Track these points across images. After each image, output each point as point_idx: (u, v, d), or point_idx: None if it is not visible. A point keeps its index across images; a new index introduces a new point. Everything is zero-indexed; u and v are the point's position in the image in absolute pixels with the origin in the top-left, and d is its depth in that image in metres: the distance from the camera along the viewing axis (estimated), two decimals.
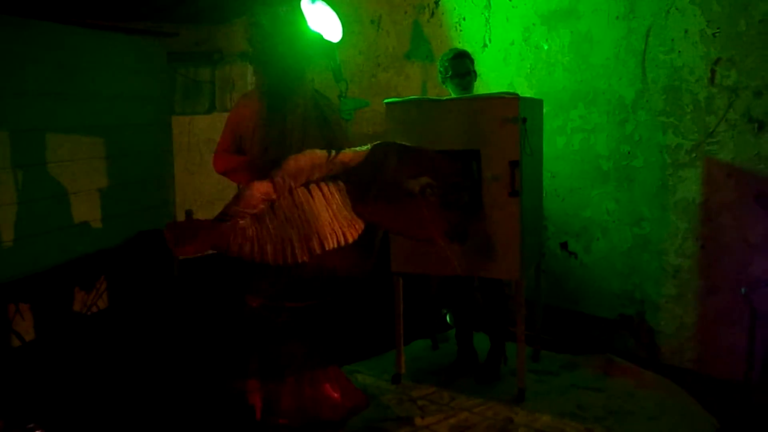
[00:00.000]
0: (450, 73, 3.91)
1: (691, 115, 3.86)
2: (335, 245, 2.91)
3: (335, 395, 3.17)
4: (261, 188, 2.79)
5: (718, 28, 3.71)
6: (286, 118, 2.93)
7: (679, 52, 3.87)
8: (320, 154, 2.84)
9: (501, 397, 3.70)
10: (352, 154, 2.92)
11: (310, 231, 2.86)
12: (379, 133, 3.88)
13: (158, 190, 5.90)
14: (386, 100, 3.68)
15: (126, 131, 5.51)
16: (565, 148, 4.42)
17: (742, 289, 2.49)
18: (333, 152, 2.87)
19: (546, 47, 4.47)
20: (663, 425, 3.34)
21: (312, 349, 3.12)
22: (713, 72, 3.76)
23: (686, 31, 3.83)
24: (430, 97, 4.30)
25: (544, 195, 4.28)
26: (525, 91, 4.49)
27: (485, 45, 4.74)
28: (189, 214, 5.47)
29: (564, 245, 4.51)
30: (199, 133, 6.63)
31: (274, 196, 2.82)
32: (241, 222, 2.78)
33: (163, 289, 4.83)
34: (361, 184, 2.97)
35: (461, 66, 3.90)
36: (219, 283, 5.74)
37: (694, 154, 3.86)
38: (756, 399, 2.53)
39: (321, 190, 2.92)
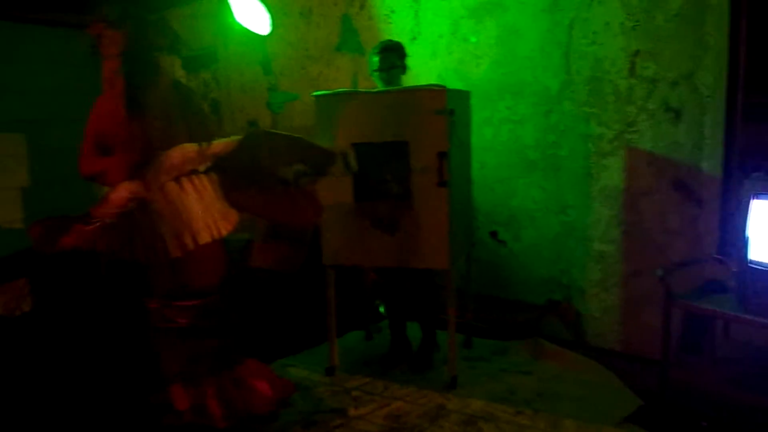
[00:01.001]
0: (376, 66, 3.93)
1: (612, 105, 3.98)
2: (209, 239, 2.90)
3: (261, 388, 3.16)
4: (129, 188, 2.78)
5: (637, 21, 3.83)
6: (145, 113, 2.86)
7: (601, 44, 3.98)
8: (190, 147, 2.84)
9: (434, 384, 3.75)
10: (223, 144, 2.92)
11: (182, 226, 2.84)
12: (309, 126, 3.86)
13: (85, 188, 5.73)
14: (314, 93, 3.68)
15: (49, 127, 5.34)
16: (493, 139, 4.50)
17: (658, 272, 2.59)
18: (204, 144, 2.86)
19: (474, 40, 4.53)
20: (589, 405, 3.45)
21: (222, 346, 3.11)
22: (633, 63, 3.88)
23: (607, 24, 3.95)
24: (359, 90, 4.31)
25: (473, 185, 4.35)
26: (454, 84, 4.55)
27: (414, 38, 4.78)
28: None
29: (494, 234, 4.60)
30: None
31: (143, 195, 2.80)
32: (107, 220, 2.76)
33: (89, 290, 4.70)
34: (235, 174, 2.97)
35: (385, 60, 3.92)
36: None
37: (615, 143, 3.98)
38: (672, 375, 2.64)
39: (192, 183, 2.90)
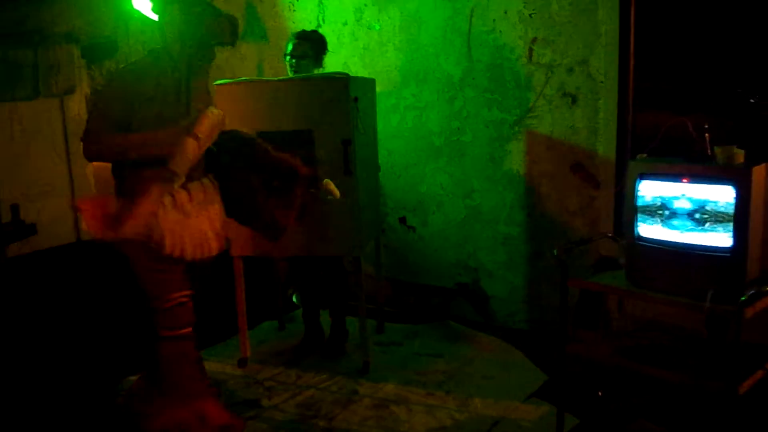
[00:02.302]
0: (287, 51, 3.88)
1: (512, 92, 4.10)
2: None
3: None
4: (191, 147, 2.66)
5: (534, 9, 3.94)
6: (185, 82, 2.88)
7: (500, 31, 4.08)
8: (217, 112, 2.79)
9: (346, 371, 3.78)
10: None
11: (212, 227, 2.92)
12: None
13: None
14: (217, 82, 3.62)
15: None
16: (399, 126, 4.55)
17: (554, 251, 2.70)
18: (223, 113, 2.83)
19: (378, 27, 4.56)
20: (498, 383, 3.57)
21: None
22: (531, 51, 4.00)
23: (506, 12, 4.05)
24: (262, 78, 4.26)
25: (381, 172, 4.38)
26: (359, 71, 4.57)
27: (319, 25, 4.76)
28: (15, 207, 5.13)
29: (402, 220, 4.66)
30: (24, 121, 6.18)
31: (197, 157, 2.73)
32: (164, 202, 2.68)
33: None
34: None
35: (297, 48, 3.87)
36: (53, 277, 5.46)
37: (516, 128, 4.10)
38: (570, 350, 2.76)
39: (203, 184, 2.93)
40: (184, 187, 2.79)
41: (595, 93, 3.80)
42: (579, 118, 3.89)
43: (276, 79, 3.70)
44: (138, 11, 4.63)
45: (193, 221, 2.81)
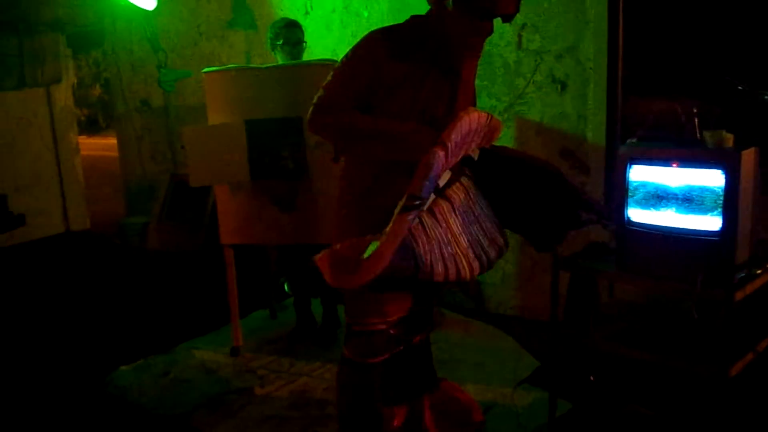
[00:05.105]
0: (281, 41, 3.85)
1: (502, 78, 4.10)
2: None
3: (465, 398, 2.96)
4: (436, 160, 2.04)
5: None
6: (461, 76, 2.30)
7: None
8: (481, 114, 2.18)
9: (339, 359, 3.78)
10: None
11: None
12: (203, 105, 3.77)
13: None
14: (205, 70, 3.60)
15: None
16: None
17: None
18: (490, 116, 2.23)
19: (366, 14, 4.54)
20: (488, 369, 3.58)
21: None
22: (520, 37, 4.00)
23: None
24: (251, 65, 4.24)
25: None
26: None
27: (307, 12, 4.74)
28: (2, 198, 5.08)
29: None
30: (9, 111, 6.14)
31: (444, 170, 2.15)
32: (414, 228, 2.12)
33: None
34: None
35: (293, 35, 3.86)
36: (42, 268, 5.45)
37: (506, 115, 4.10)
38: (561, 335, 2.77)
39: (462, 184, 2.37)
40: (441, 193, 2.25)
41: (585, 79, 3.81)
42: (568, 105, 3.89)
43: (265, 66, 3.68)
44: None
45: (458, 237, 2.27)
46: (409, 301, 2.45)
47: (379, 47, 2.27)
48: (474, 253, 2.31)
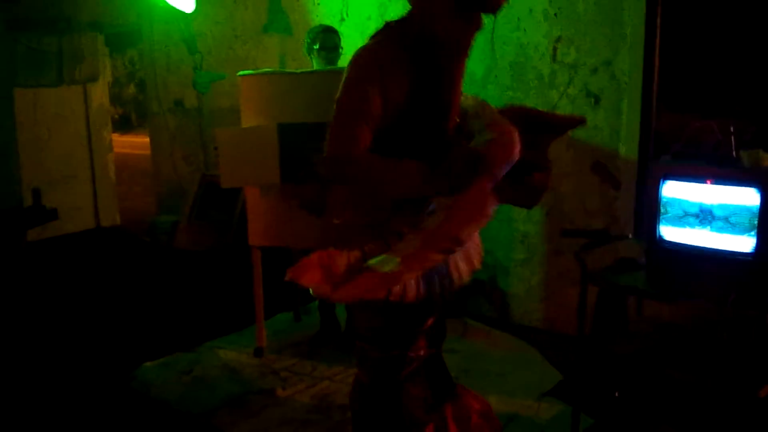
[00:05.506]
0: (318, 45, 3.88)
1: (535, 90, 4.09)
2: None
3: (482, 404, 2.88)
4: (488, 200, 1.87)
5: (559, 8, 3.93)
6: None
7: (525, 30, 4.07)
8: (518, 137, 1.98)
9: None
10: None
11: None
12: (236, 107, 3.82)
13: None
14: (240, 73, 3.63)
15: None
16: None
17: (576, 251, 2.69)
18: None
19: None
20: (511, 380, 3.56)
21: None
22: (555, 49, 3.99)
23: (531, 11, 4.03)
24: (285, 70, 4.27)
25: None
26: None
27: (343, 19, 4.77)
28: (36, 192, 5.18)
29: None
30: (47, 107, 6.25)
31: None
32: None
33: (9, 269, 4.57)
34: None
35: (330, 40, 3.89)
36: (72, 262, 5.53)
37: None
38: (588, 350, 2.76)
39: None
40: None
41: (619, 93, 3.79)
42: (601, 119, 3.87)
43: (300, 71, 3.71)
44: (162, 0, 4.66)
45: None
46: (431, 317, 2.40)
47: (376, 70, 2.03)
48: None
